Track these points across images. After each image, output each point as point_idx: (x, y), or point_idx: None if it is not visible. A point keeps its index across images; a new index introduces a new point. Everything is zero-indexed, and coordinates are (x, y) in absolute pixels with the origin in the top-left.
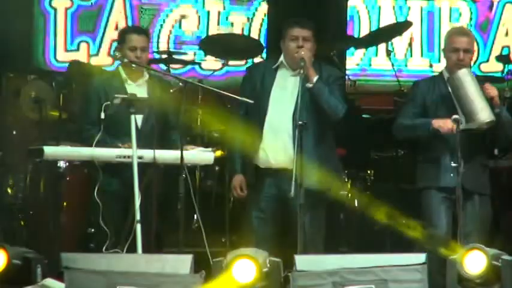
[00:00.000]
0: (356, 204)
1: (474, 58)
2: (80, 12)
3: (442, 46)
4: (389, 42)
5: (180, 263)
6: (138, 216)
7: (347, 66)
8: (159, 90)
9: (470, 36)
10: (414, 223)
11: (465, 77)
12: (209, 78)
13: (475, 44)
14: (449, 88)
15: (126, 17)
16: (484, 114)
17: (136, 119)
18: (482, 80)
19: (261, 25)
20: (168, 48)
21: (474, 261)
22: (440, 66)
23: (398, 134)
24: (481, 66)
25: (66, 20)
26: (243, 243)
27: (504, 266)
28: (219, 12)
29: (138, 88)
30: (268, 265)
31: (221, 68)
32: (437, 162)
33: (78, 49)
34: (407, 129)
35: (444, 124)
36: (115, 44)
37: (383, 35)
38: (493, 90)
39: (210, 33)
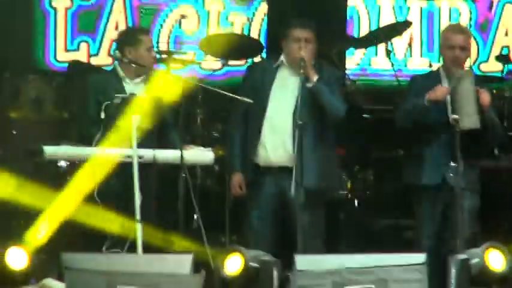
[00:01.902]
0: (356, 204)
1: (474, 58)
2: (80, 12)
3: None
4: (389, 42)
5: (180, 263)
6: (138, 216)
7: (347, 66)
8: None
9: (466, 34)
10: None
11: (463, 78)
12: (209, 78)
13: (474, 42)
14: (448, 84)
15: (126, 17)
16: (467, 120)
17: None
18: (483, 80)
19: (261, 25)
20: (168, 48)
21: (495, 259)
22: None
23: (401, 122)
24: (481, 66)
25: (66, 20)
26: (243, 243)
27: None
28: (219, 12)
29: (135, 87)
30: (258, 263)
31: (221, 68)
32: (419, 159)
33: (78, 49)
34: (406, 113)
35: (436, 91)
36: (115, 44)
37: (383, 35)
38: (485, 99)
39: (210, 33)
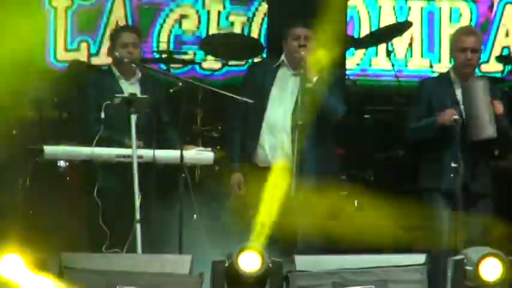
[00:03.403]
0: (356, 204)
1: None
2: (80, 12)
3: (449, 46)
4: (390, 43)
5: (180, 263)
6: (138, 216)
7: (347, 66)
8: (152, 89)
9: (477, 36)
10: None
11: (480, 89)
12: (209, 78)
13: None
14: (461, 92)
15: (126, 17)
16: (488, 130)
17: (132, 118)
18: (494, 81)
19: (261, 25)
20: (168, 48)
21: (491, 267)
22: (440, 67)
23: (410, 138)
24: (481, 66)
25: (66, 20)
26: None
27: None
28: (219, 12)
29: (131, 86)
30: (271, 263)
31: (221, 68)
32: (439, 163)
33: (78, 49)
34: (415, 132)
35: (445, 116)
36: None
37: (383, 35)
38: (500, 109)
39: (210, 33)
